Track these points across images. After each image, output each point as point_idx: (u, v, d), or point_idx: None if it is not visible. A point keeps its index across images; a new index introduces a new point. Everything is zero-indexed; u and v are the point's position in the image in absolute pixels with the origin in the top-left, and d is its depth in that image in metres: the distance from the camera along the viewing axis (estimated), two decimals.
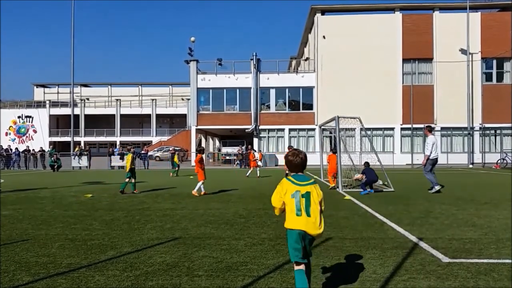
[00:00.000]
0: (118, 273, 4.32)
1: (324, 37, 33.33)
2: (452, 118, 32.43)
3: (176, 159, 23.10)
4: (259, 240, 5.84)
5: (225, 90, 34.49)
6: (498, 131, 32.87)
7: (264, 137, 34.48)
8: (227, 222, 7.24)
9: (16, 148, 33.30)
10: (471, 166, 30.28)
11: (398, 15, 33.26)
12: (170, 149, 36.11)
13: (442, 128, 32.83)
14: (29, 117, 69.85)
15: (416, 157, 30.60)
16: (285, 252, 5.12)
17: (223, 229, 6.63)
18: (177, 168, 22.48)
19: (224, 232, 6.42)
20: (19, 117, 69.80)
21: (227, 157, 36.30)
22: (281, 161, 32.87)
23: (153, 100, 71.89)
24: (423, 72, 33.58)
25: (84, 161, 30.34)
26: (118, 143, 67.89)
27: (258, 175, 19.91)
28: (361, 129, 15.44)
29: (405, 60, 33.14)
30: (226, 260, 4.80)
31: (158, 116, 71.69)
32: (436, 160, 12.45)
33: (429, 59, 33.09)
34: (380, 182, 14.06)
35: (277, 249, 5.28)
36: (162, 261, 4.75)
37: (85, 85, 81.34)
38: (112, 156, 31.25)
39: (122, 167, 30.23)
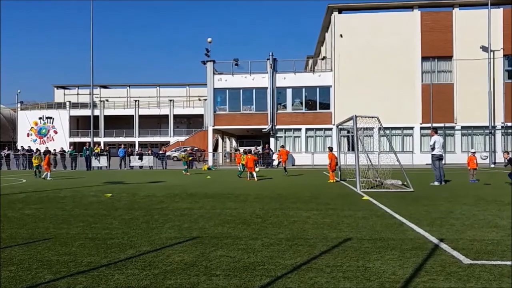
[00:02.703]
0: (137, 271, 4.37)
1: (341, 35, 33.06)
2: (473, 117, 31.75)
3: (185, 157, 23.55)
4: (276, 240, 5.83)
5: (241, 90, 34.54)
6: None
7: (281, 137, 34.40)
8: (244, 222, 7.26)
9: (37, 149, 34.01)
10: (492, 165, 29.62)
11: (416, 13, 32.77)
12: (188, 149, 36.33)
13: (463, 127, 32.21)
14: (50, 118, 71.29)
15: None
16: (302, 253, 5.10)
17: (240, 229, 6.64)
18: (186, 167, 23.05)
19: (241, 231, 6.44)
20: (40, 118, 71.29)
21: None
22: (298, 161, 32.81)
23: (170, 101, 72.59)
24: (443, 70, 32.99)
25: (103, 161, 30.79)
26: (137, 143, 68.79)
27: (248, 177, 17.90)
28: (379, 129, 15.28)
29: (424, 59, 32.62)
30: (244, 259, 4.81)
31: (175, 116, 72.36)
32: (441, 156, 13.94)
33: (449, 57, 32.50)
34: (399, 182, 13.91)
35: (295, 250, 5.26)
36: (180, 260, 4.79)
37: (105, 87, 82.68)
38: (132, 156, 31.65)
39: (141, 167, 30.65)
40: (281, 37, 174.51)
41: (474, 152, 16.91)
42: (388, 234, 6.19)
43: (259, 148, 33.32)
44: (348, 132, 27.31)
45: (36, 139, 69.51)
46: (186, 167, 23.28)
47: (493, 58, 31.50)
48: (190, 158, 23.38)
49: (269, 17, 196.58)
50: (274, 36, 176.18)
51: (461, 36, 32.00)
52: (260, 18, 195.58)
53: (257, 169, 18.13)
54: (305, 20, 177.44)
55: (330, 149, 17.28)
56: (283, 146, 26.60)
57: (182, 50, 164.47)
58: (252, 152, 20.53)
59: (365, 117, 14.60)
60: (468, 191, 12.34)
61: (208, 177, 20.03)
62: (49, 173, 19.44)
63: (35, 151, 28.56)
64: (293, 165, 32.37)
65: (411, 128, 32.78)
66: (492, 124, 31.35)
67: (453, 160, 29.47)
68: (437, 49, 32.37)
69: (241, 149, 34.77)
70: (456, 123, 32.25)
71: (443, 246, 5.38)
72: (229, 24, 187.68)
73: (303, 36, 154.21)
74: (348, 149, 29.44)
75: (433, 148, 14.59)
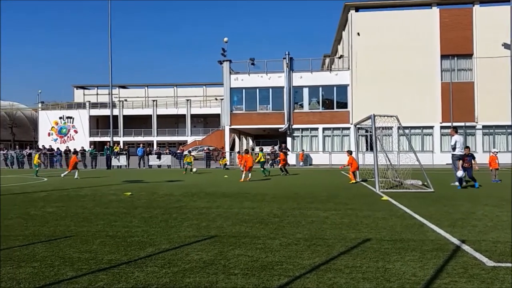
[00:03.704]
0: (156, 269, 4.41)
1: (358, 34, 32.77)
2: (494, 116, 31.09)
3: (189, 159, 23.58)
4: (294, 240, 5.81)
5: (258, 90, 34.56)
6: None
7: (298, 136, 34.29)
8: (261, 221, 7.25)
9: (58, 148, 34.69)
10: None
11: (435, 11, 32.25)
12: (205, 148, 36.54)
13: (484, 127, 31.58)
14: (70, 118, 72.57)
15: None
16: (321, 253, 5.07)
17: (258, 228, 6.64)
18: (190, 167, 23.11)
19: (259, 231, 6.43)
20: (60, 118, 72.62)
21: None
22: (315, 160, 32.67)
23: (188, 100, 73.10)
24: (463, 68, 32.40)
25: (122, 160, 31.20)
26: (155, 143, 69.47)
27: (242, 178, 17.13)
28: (398, 128, 15.08)
29: (443, 57, 32.09)
30: (262, 259, 4.80)
31: (192, 116, 72.85)
32: (461, 156, 13.45)
33: (469, 55, 31.89)
34: (419, 182, 13.72)
35: (313, 250, 5.23)
36: (199, 259, 4.81)
37: (123, 87, 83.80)
38: (150, 156, 32.00)
39: (159, 166, 30.96)
40: (298, 36, 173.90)
41: (496, 152, 16.58)
42: (408, 235, 6.10)
43: (276, 147, 33.27)
44: (366, 131, 27.05)
45: (57, 139, 70.85)
46: (190, 167, 23.07)
47: None
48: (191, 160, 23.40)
49: (286, 16, 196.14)
50: (291, 35, 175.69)
51: (481, 33, 31.35)
52: (277, 17, 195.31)
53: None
54: (321, 18, 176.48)
55: (350, 152, 16.77)
56: (281, 150, 27.05)
57: (199, 50, 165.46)
58: (264, 152, 20.39)
59: (384, 116, 14.43)
60: (491, 191, 12.08)
61: (226, 176, 20.10)
62: (76, 172, 19.60)
63: (37, 149, 29.04)
64: (310, 164, 32.26)
65: (431, 127, 32.29)
66: None
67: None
68: (456, 47, 31.81)
69: (257, 148, 34.92)
70: (477, 122, 31.61)
71: (465, 247, 5.28)
72: (246, 23, 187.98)
73: (320, 35, 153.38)
74: (367, 149, 29.19)
75: (454, 148, 14.33)
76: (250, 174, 17.27)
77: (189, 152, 25.04)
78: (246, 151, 18.95)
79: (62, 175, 19.97)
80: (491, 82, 31.05)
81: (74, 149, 29.25)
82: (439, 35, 31.95)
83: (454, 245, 5.42)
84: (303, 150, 32.85)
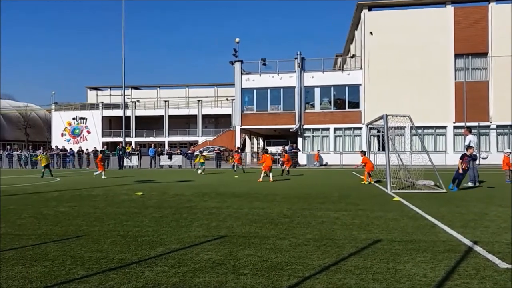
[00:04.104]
0: (167, 269, 4.43)
1: (371, 33, 32.55)
2: (510, 116, 30.57)
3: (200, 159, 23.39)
4: (304, 240, 5.79)
5: (269, 90, 34.55)
6: None
7: (309, 136, 34.19)
8: (271, 222, 7.24)
9: (71, 148, 35.13)
10: None
11: (449, 9, 31.86)
12: (215, 148, 36.64)
13: (498, 126, 31.10)
14: (83, 118, 73.41)
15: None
16: (331, 254, 5.04)
17: (268, 229, 6.63)
18: (203, 167, 22.86)
19: (269, 231, 6.43)
20: (73, 118, 73.49)
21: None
22: (327, 160, 32.53)
23: (199, 101, 73.41)
24: (477, 67, 31.96)
25: (134, 161, 31.46)
26: (166, 143, 69.91)
27: (261, 178, 17.00)
28: (411, 128, 14.93)
29: (457, 56, 31.69)
30: (271, 259, 4.79)
31: (204, 116, 73.13)
32: (475, 156, 13.70)
33: (484, 54, 31.43)
34: (432, 182, 13.57)
35: (323, 250, 5.20)
36: (209, 259, 4.82)
37: (136, 88, 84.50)
38: (161, 156, 32.20)
39: (171, 166, 31.15)
40: (310, 36, 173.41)
41: (510, 153, 16.28)
42: (419, 236, 6.03)
43: (287, 147, 33.19)
44: (379, 131, 26.84)
45: (70, 139, 71.73)
46: (203, 167, 22.87)
47: None
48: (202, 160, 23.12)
49: (298, 16, 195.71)
50: (303, 35, 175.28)
51: (497, 32, 30.89)
52: (289, 17, 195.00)
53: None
54: (333, 17, 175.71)
55: (364, 153, 16.58)
56: (292, 150, 26.99)
57: (211, 50, 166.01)
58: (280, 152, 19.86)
59: (396, 116, 14.29)
60: (504, 192, 11.88)
61: (236, 176, 20.13)
62: (103, 172, 19.60)
63: (42, 151, 29.00)
64: (321, 165, 32.12)
65: (444, 127, 31.92)
66: None
67: (488, 161, 28.43)
68: (471, 46, 31.40)
69: (269, 149, 34.79)
70: (491, 122, 31.14)
71: (477, 248, 5.20)
72: (257, 24, 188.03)
73: (332, 34, 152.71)
74: (379, 149, 28.96)
75: (467, 148, 14.15)
76: (271, 174, 16.97)
77: (200, 152, 24.94)
78: (266, 151, 18.65)
79: (95, 174, 20.29)
80: (507, 81, 30.57)
81: (80, 147, 29.55)
82: (453, 34, 31.57)
83: (466, 246, 5.34)
84: (318, 150, 32.77)
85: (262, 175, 17.19)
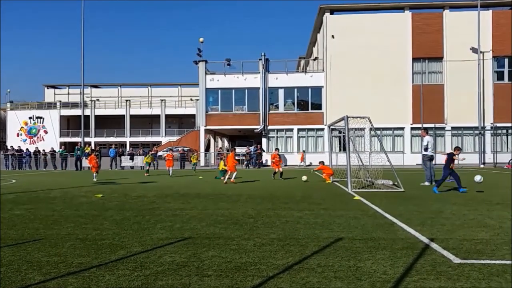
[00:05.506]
0: (128, 272, 4.34)
1: (333, 36, 33.20)
2: (463, 118, 32.09)
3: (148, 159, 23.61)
4: (268, 240, 5.83)
5: (233, 90, 34.51)
6: (510, 131, 32.46)
7: (273, 137, 34.45)
8: (236, 222, 7.25)
9: (27, 149, 33.68)
10: (482, 166, 29.95)
11: (407, 14, 33.02)
12: (179, 149, 36.22)
13: (453, 128, 32.53)
14: (40, 118, 70.65)
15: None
16: (294, 253, 5.11)
17: (232, 229, 6.63)
18: (147, 168, 23.33)
19: (233, 232, 6.43)
20: (30, 118, 70.61)
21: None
22: (290, 161, 32.88)
23: (162, 100, 72.31)
24: (433, 71, 33.28)
25: None
26: (128, 143, 68.40)
27: (225, 179, 16.18)
28: (370, 129, 15.38)
29: (415, 59, 32.88)
30: (235, 260, 4.80)
31: (167, 116, 72.10)
32: (432, 156, 14.70)
33: (439, 58, 32.79)
34: (390, 182, 14.01)
35: (287, 250, 5.27)
36: (172, 261, 4.77)
37: (95, 86, 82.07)
38: (123, 157, 31.46)
39: (132, 167, 30.48)
40: (274, 37, 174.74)
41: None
42: (379, 233, 6.22)
43: (251, 148, 33.32)
44: (340, 132, 27.42)
45: (26, 139, 68.81)
46: (147, 168, 23.22)
47: (483, 60, 31.89)
48: (152, 160, 23.30)
49: (262, 17, 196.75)
50: (266, 37, 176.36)
51: (451, 38, 32.31)
52: (253, 18, 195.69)
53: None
54: (296, 20, 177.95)
55: (322, 163, 17.45)
56: (256, 151, 27.34)
57: (174, 49, 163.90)
58: (245, 153, 19.74)
59: (357, 117, 14.68)
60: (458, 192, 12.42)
61: (200, 177, 19.99)
62: (95, 174, 17.53)
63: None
64: (285, 165, 32.41)
65: (402, 128, 33.03)
66: (482, 125, 31.69)
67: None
68: (427, 50, 32.67)
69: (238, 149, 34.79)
70: (446, 124, 32.53)
71: (434, 245, 5.43)
72: (221, 24, 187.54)
73: (295, 37, 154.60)
74: (340, 150, 29.59)
75: (426, 149, 14.79)
76: (234, 175, 16.13)
77: (149, 151, 24.88)
78: (228, 150, 18.38)
79: (95, 179, 17.46)
80: (460, 85, 32.03)
81: (36, 147, 28.32)
82: (411, 39, 32.74)
83: (423, 244, 5.56)
84: (303, 151, 32.79)
85: (227, 176, 16.57)
